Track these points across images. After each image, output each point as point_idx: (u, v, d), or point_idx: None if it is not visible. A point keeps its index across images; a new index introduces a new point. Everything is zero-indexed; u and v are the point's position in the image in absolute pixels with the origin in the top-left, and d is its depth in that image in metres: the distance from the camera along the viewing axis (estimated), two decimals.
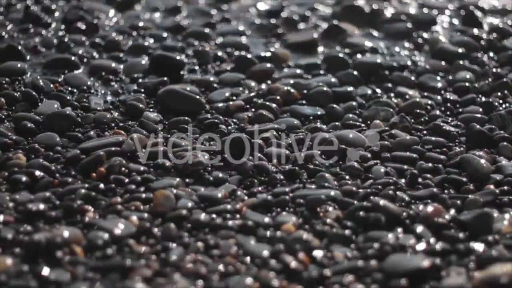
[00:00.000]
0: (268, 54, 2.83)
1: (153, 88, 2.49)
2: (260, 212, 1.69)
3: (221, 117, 2.28)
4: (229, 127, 2.23)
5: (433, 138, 2.15)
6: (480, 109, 2.39)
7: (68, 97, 2.37)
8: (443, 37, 3.07)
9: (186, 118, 2.26)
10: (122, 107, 2.34)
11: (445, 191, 1.84)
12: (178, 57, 2.74)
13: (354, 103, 2.45)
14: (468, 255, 1.50)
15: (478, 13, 3.34)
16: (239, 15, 3.34)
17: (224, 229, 1.60)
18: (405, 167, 1.97)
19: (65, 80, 2.54)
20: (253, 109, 2.38)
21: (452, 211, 1.71)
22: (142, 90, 2.50)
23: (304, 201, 1.73)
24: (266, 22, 3.23)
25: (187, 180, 1.86)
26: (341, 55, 2.84)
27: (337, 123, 2.27)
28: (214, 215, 1.65)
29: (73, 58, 2.72)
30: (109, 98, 2.44)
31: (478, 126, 2.18)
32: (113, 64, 2.74)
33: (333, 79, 2.66)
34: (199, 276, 1.42)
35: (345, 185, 1.84)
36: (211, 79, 2.62)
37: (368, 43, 3.00)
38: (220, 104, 2.40)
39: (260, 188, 1.84)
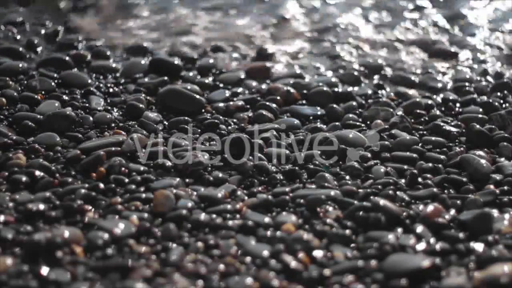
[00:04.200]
0: None
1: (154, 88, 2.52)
2: (260, 212, 1.69)
3: (221, 117, 2.29)
4: (229, 127, 2.23)
5: (433, 138, 2.16)
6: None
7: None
8: None
9: (186, 118, 2.27)
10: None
11: (445, 191, 1.84)
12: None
13: (354, 103, 2.46)
14: (468, 255, 1.50)
15: None
16: None
17: (224, 229, 1.60)
18: (405, 167, 1.97)
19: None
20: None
21: (452, 211, 1.71)
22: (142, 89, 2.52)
23: (304, 201, 1.73)
24: None
25: (187, 180, 1.86)
26: None
27: (337, 123, 2.28)
28: (214, 215, 1.65)
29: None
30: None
31: (478, 126, 2.18)
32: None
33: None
34: (199, 276, 1.42)
35: (345, 185, 1.84)
36: None
37: None
38: (221, 104, 2.42)
39: (260, 188, 1.84)
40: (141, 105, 2.33)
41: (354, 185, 1.84)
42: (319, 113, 2.40)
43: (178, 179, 1.85)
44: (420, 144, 2.12)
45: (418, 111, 2.40)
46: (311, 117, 2.37)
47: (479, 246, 1.53)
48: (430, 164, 1.97)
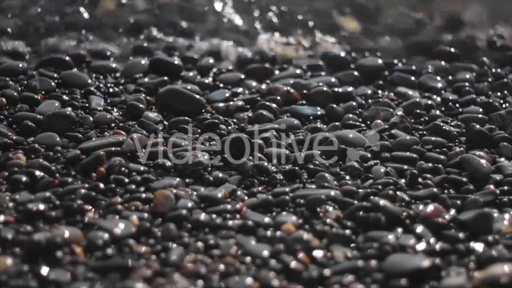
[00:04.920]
0: None
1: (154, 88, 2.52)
2: (260, 212, 1.69)
3: (221, 117, 2.29)
4: (229, 127, 2.23)
5: (433, 138, 2.16)
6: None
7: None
8: None
9: (186, 118, 2.27)
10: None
11: (445, 191, 1.84)
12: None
13: (354, 103, 2.46)
14: (468, 255, 1.50)
15: None
16: None
17: (224, 229, 1.60)
18: (405, 167, 1.97)
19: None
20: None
21: (452, 211, 1.71)
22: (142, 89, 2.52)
23: (304, 201, 1.73)
24: None
25: (187, 180, 1.86)
26: None
27: (337, 123, 2.28)
28: (214, 215, 1.65)
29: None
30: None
31: (478, 126, 2.18)
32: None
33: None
34: (199, 276, 1.42)
35: (345, 185, 1.84)
36: None
37: None
38: (221, 104, 2.42)
39: (260, 188, 1.84)
40: (141, 105, 2.33)
41: (354, 185, 1.84)
42: (319, 113, 2.40)
43: (178, 179, 1.85)
44: (420, 144, 2.11)
45: (418, 111, 2.40)
46: (311, 117, 2.37)
47: (479, 246, 1.53)
48: (430, 164, 1.97)
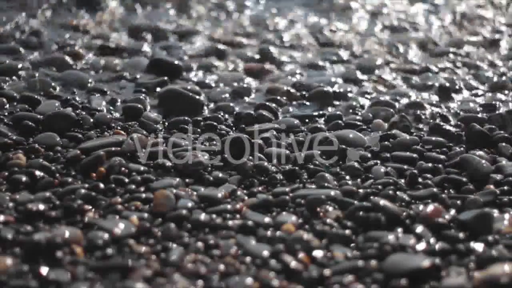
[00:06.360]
0: None
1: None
2: (260, 212, 1.69)
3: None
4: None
5: (433, 138, 2.16)
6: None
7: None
8: None
9: (186, 118, 2.27)
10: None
11: (445, 191, 1.84)
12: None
13: (354, 103, 2.47)
14: (468, 255, 1.50)
15: None
16: None
17: (224, 229, 1.60)
18: (405, 167, 1.97)
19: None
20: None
21: (452, 211, 1.71)
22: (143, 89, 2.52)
23: (304, 201, 1.73)
24: None
25: (187, 180, 1.86)
26: None
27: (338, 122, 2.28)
28: (214, 215, 1.65)
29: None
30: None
31: (478, 126, 2.18)
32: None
33: None
34: (199, 276, 1.42)
35: (345, 185, 1.84)
36: None
37: None
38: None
39: (260, 188, 1.83)
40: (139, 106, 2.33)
41: (354, 185, 1.84)
42: (320, 112, 2.40)
43: (178, 179, 1.85)
44: (420, 144, 2.12)
45: (418, 111, 2.40)
46: (311, 117, 2.37)
47: (479, 246, 1.53)
48: (430, 164, 1.97)
